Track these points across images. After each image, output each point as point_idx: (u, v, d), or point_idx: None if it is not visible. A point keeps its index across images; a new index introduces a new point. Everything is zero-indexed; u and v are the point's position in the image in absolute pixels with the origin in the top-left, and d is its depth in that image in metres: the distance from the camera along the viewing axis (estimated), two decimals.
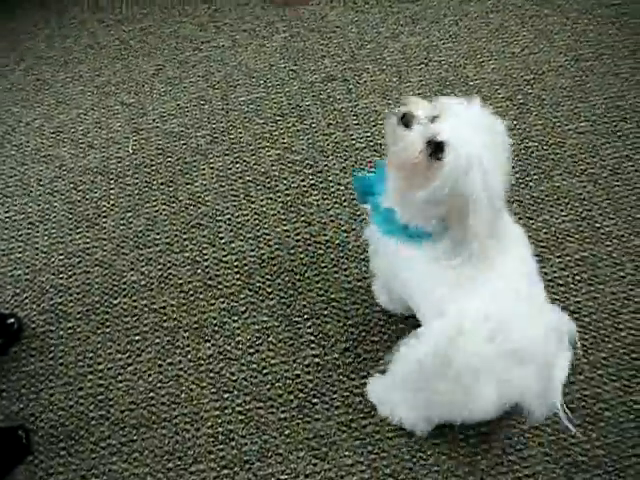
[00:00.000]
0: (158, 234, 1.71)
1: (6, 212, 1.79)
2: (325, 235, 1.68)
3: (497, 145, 1.12)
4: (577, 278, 1.59)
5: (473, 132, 1.09)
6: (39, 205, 1.79)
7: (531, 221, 1.68)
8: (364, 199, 1.31)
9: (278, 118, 1.92)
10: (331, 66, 2.03)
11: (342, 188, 1.75)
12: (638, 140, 1.84)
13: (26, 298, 1.65)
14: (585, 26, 2.13)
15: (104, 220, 1.75)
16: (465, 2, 2.17)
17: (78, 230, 1.74)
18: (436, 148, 1.09)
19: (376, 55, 2.04)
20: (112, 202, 1.78)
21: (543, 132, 1.86)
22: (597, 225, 1.68)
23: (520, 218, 1.67)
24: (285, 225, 1.70)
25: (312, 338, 1.53)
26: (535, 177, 1.77)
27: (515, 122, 1.87)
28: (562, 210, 1.71)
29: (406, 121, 1.12)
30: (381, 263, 1.36)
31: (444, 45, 2.06)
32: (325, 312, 1.56)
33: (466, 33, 2.08)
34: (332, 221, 1.70)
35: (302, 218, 1.71)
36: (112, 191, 1.81)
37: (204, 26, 2.20)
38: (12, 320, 1.62)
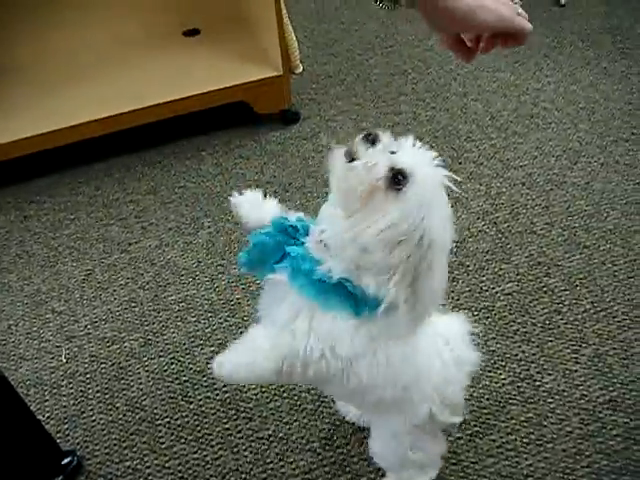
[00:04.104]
0: (97, 445, 1.68)
1: None
2: (267, 429, 1.67)
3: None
4: (525, 440, 1.61)
5: (434, 169, 1.06)
6: None
7: (472, 388, 1.70)
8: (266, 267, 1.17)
9: (209, 314, 1.95)
10: None
11: None
12: (564, 293, 1.92)
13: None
14: (498, 189, 2.26)
15: None
16: None
17: None
18: (397, 176, 1.01)
19: None
20: (47, 414, 1.75)
21: (471, 298, 1.93)
22: (537, 383, 1.71)
23: None
24: (226, 423, 1.69)
25: None
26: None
27: None
28: (501, 374, 1.74)
29: (373, 139, 1.03)
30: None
31: None
32: None
33: None
34: (272, 414, 1.70)
35: (242, 414, 1.70)
36: (47, 403, 1.78)
37: (130, 227, 2.25)
38: (70, 458, 1.59)
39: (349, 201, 1.04)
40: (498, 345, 1.80)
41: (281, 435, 1.66)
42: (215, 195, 2.35)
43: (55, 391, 1.80)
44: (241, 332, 1.84)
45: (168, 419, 1.72)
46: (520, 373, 1.74)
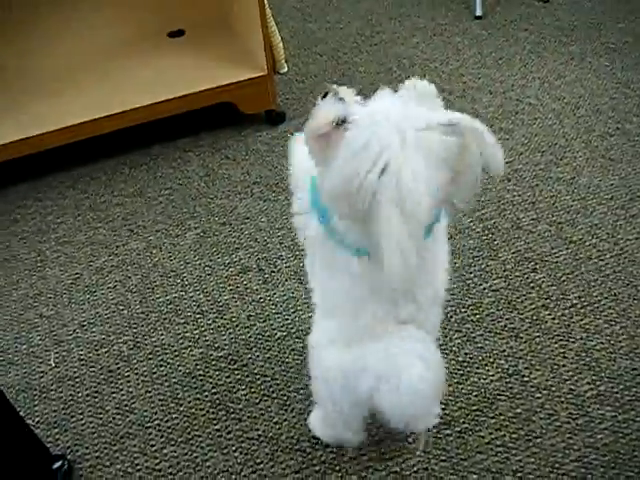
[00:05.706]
0: (87, 448, 1.67)
1: None
2: (257, 430, 1.67)
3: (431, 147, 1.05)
4: (514, 436, 1.61)
5: (393, 119, 1.04)
6: None
7: (460, 386, 1.71)
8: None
9: (198, 316, 1.95)
10: (245, 257, 2.10)
11: (268, 379, 1.77)
12: (551, 288, 1.92)
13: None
14: (484, 186, 2.26)
15: None
16: None
17: None
18: (343, 121, 1.06)
19: (288, 241, 2.12)
20: (37, 419, 1.75)
21: (459, 295, 1.93)
22: (525, 379, 1.72)
23: (449, 385, 1.70)
24: (216, 424, 1.69)
25: None
26: (457, 341, 1.81)
27: None
28: (489, 370, 1.75)
29: (325, 94, 1.12)
30: None
31: None
32: None
33: None
34: (262, 414, 1.70)
35: (232, 415, 1.71)
36: (36, 408, 1.77)
37: (118, 230, 2.25)
38: (60, 463, 1.58)
39: (310, 141, 1.12)
40: (486, 341, 1.81)
41: (271, 435, 1.66)
42: (202, 196, 2.35)
43: (44, 395, 1.80)
44: (230, 333, 1.88)
45: (158, 421, 1.72)
46: (508, 369, 1.75)
